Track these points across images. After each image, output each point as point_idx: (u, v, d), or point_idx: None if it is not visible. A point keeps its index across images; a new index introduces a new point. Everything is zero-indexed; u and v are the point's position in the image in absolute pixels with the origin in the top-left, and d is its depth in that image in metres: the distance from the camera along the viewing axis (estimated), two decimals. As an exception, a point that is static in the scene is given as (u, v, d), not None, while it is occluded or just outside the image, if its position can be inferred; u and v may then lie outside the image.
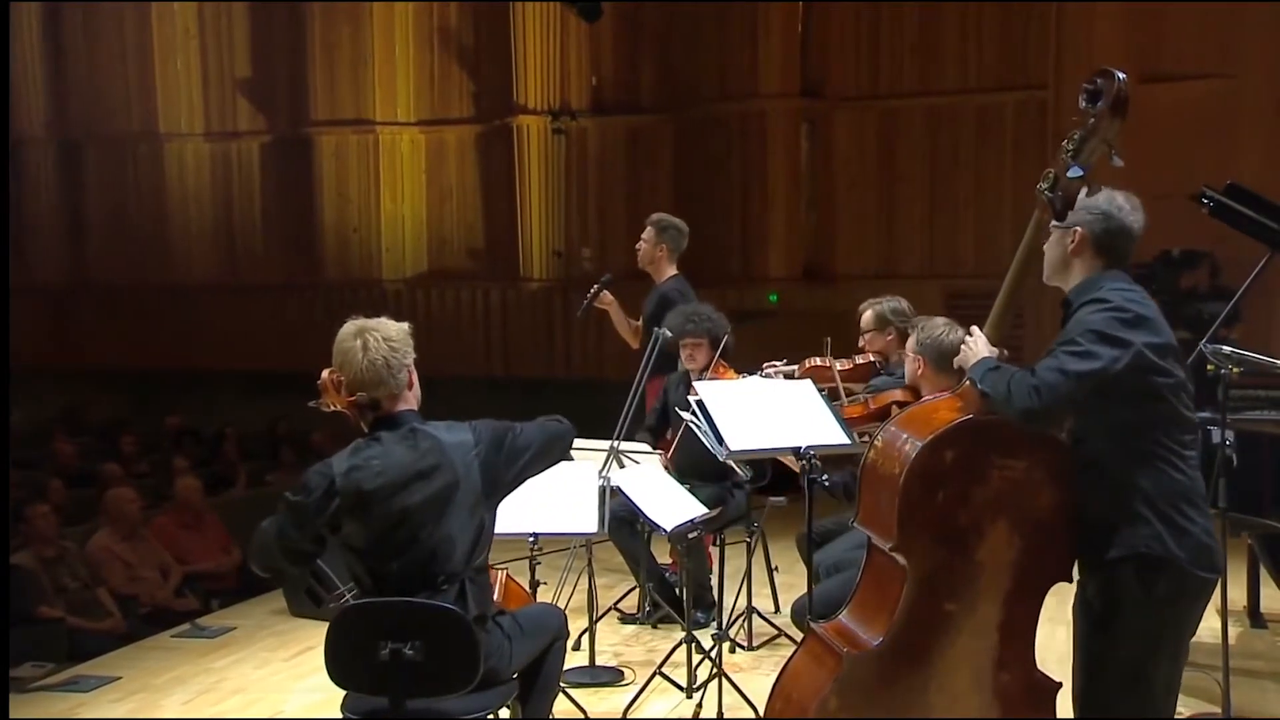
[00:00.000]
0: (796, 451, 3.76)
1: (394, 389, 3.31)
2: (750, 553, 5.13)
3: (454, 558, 3.28)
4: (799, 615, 4.67)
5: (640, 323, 6.60)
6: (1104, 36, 11.78)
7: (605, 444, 5.28)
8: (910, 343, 4.24)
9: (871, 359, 5.37)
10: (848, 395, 4.81)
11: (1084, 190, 3.04)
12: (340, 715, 3.39)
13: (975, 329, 3.24)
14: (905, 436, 3.17)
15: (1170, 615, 3.02)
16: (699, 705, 4.48)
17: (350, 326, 3.34)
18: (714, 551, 5.89)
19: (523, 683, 3.55)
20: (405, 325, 3.40)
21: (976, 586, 3.12)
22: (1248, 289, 4.91)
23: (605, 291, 6.55)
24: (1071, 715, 3.26)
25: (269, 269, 15.90)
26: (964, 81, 12.51)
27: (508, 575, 3.91)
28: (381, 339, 3.30)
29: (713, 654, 4.47)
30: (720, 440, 3.71)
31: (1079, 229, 3.11)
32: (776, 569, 6.18)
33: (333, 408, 3.32)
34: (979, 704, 3.19)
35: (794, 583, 6.33)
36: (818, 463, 3.74)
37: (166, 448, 12.05)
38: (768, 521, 5.71)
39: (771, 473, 5.58)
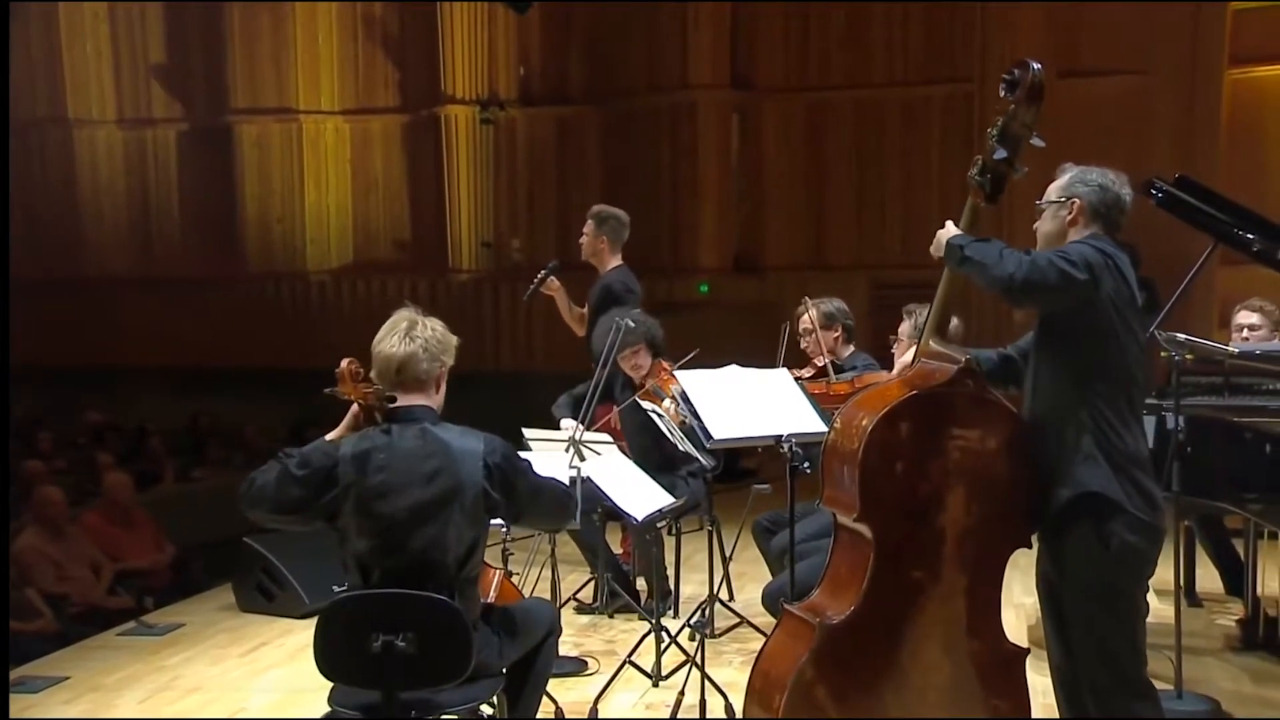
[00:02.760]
0: (778, 439, 3.80)
1: (421, 375, 3.28)
2: (711, 541, 5.17)
3: (445, 565, 3.23)
4: (770, 599, 4.73)
5: (586, 311, 6.60)
6: (1026, 32, 12.08)
7: (564, 435, 5.26)
8: (905, 328, 4.32)
9: (826, 359, 5.44)
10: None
11: (1012, 174, 3.25)
12: (327, 709, 3.35)
13: (949, 222, 3.36)
14: (861, 414, 3.29)
15: (1126, 568, 3.15)
16: (681, 692, 4.46)
17: (405, 311, 3.36)
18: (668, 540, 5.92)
19: (514, 677, 3.53)
20: (455, 337, 3.39)
21: (940, 554, 3.23)
22: (1192, 279, 5.05)
23: (552, 278, 6.52)
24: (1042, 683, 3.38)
25: (187, 261, 15.60)
26: (891, 74, 12.73)
27: (503, 575, 3.89)
28: (430, 327, 3.32)
29: (694, 645, 4.48)
30: (704, 428, 3.72)
31: (1076, 199, 3.26)
32: (731, 558, 6.22)
33: (347, 397, 3.29)
34: (951, 670, 3.29)
35: (745, 570, 6.40)
36: (799, 450, 3.79)
37: (85, 444, 11.76)
38: (719, 509, 5.74)
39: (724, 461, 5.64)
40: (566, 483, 4.49)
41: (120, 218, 16.11)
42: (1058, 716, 3.48)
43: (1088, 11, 11.75)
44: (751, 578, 6.12)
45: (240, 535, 6.59)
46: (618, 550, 6.38)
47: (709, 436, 3.72)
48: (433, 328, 3.31)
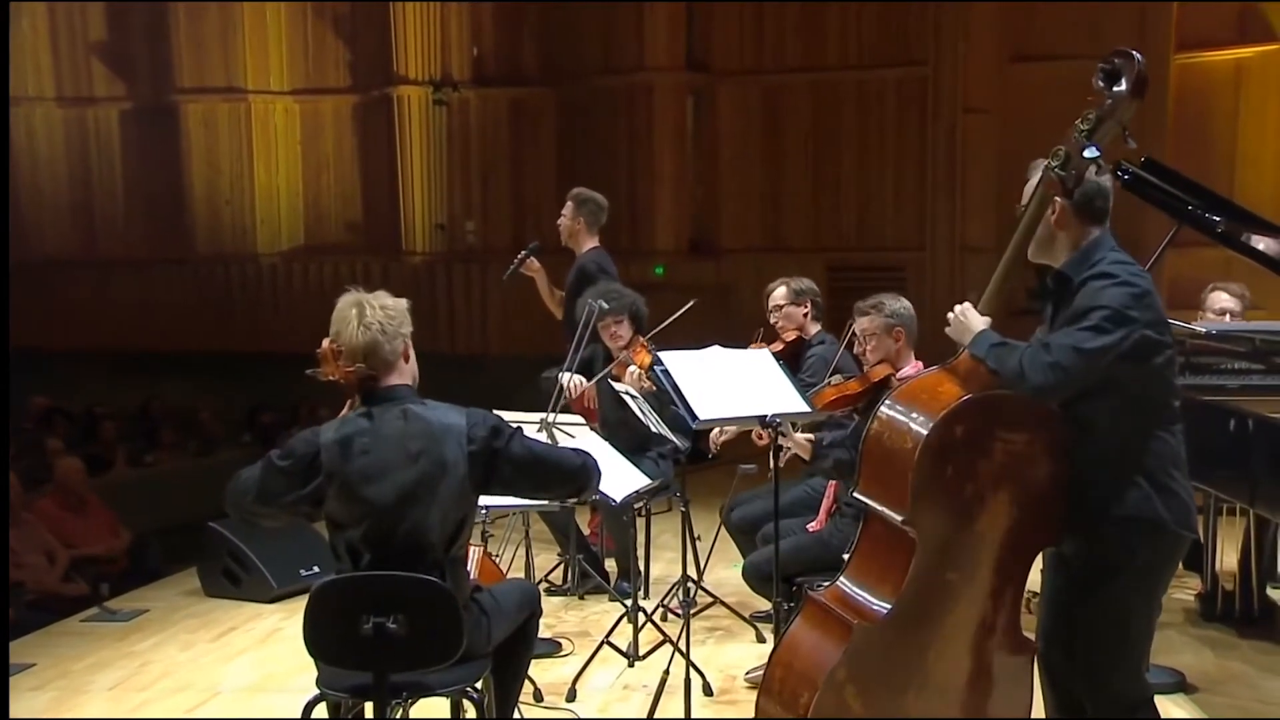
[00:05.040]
0: (763, 420, 3.82)
1: (388, 357, 3.24)
2: (685, 522, 5.18)
3: (434, 545, 3.22)
4: (753, 573, 4.75)
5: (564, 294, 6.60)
6: (980, 15, 12.21)
7: (536, 416, 5.26)
8: (876, 323, 4.33)
9: (795, 335, 5.52)
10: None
11: (1093, 169, 3.05)
12: (305, 692, 3.33)
13: (966, 303, 3.24)
14: (913, 411, 3.19)
15: (1151, 575, 3.12)
16: (666, 671, 4.45)
17: (348, 296, 3.29)
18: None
19: (499, 658, 3.53)
20: (403, 301, 3.34)
21: (976, 555, 3.19)
22: (1156, 260, 5.13)
23: (532, 259, 6.52)
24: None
25: (132, 243, 15.35)
26: (846, 58, 12.78)
27: (483, 551, 3.87)
28: (378, 307, 3.25)
29: (675, 625, 4.47)
30: (689, 409, 3.73)
31: (1056, 200, 3.11)
32: (699, 538, 6.24)
33: (330, 378, 3.25)
34: (972, 668, 3.27)
35: (715, 550, 6.41)
36: (784, 430, 3.81)
37: (33, 429, 11.52)
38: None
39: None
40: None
41: (61, 198, 15.80)
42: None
43: (1039, -4, 11.93)
44: (721, 555, 6.15)
45: (197, 520, 6.51)
46: (584, 531, 6.39)
47: (694, 418, 3.71)
48: (380, 305, 3.25)
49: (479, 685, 3.47)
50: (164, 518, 8.95)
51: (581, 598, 5.94)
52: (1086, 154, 2.97)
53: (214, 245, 15.11)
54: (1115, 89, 2.98)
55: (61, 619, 6.16)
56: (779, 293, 5.65)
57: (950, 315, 3.24)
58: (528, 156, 13.90)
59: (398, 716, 3.33)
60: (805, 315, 5.63)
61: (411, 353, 3.33)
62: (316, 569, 6.11)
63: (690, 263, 13.12)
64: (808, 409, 3.90)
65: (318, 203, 15.02)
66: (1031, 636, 3.34)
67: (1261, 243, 4.94)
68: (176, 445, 11.10)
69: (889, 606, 3.19)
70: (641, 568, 5.91)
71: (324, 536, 6.31)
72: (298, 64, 14.89)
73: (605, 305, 5.61)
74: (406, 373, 3.31)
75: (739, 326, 5.85)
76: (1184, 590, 5.88)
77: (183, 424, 11.72)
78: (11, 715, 4.45)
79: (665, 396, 5.12)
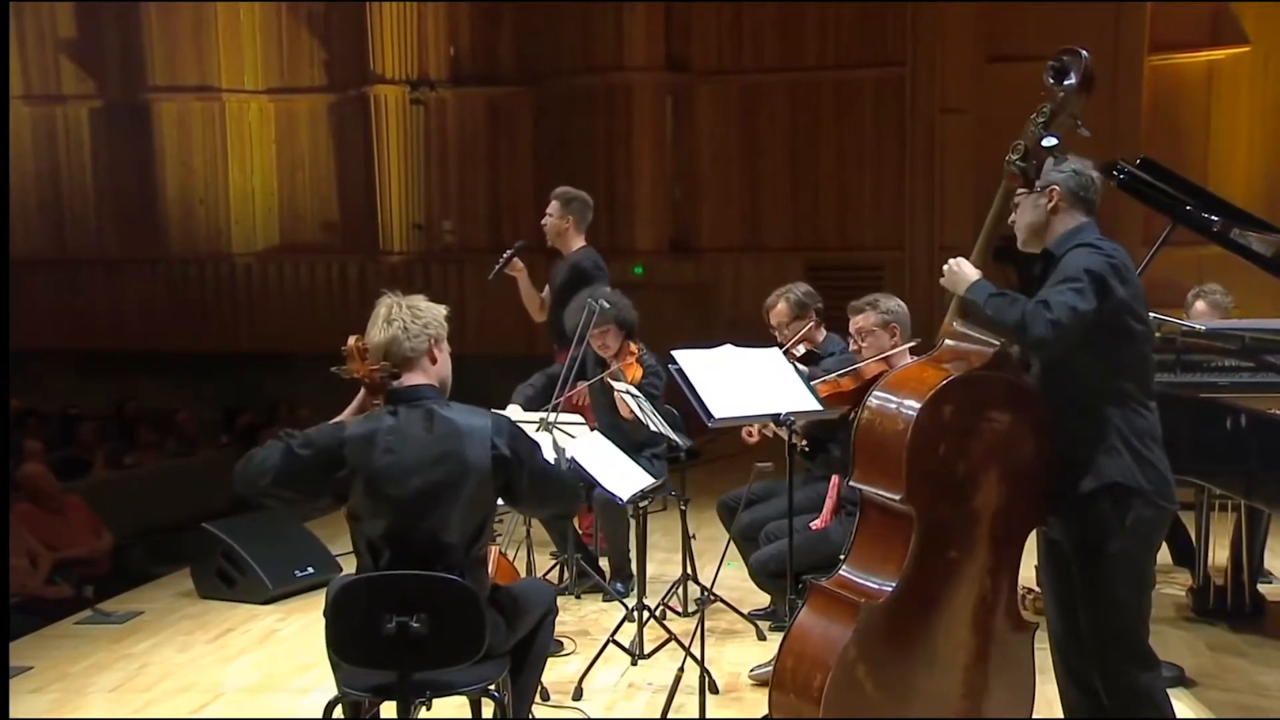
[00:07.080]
0: (777, 418, 3.84)
1: (408, 354, 3.28)
2: (685, 521, 5.20)
3: (454, 546, 3.24)
4: (760, 571, 4.79)
5: (546, 294, 6.57)
6: (956, 16, 12.30)
7: (536, 416, 5.26)
8: (872, 320, 4.39)
9: (805, 348, 5.46)
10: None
11: (1050, 160, 3.26)
12: (304, 693, 3.32)
13: (959, 258, 3.37)
14: (900, 397, 3.31)
15: (1138, 540, 3.24)
16: (681, 669, 4.45)
17: (383, 300, 3.37)
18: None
19: (514, 657, 3.54)
20: (441, 307, 3.41)
21: (974, 533, 3.31)
22: (1150, 260, 5.20)
23: (516, 259, 6.48)
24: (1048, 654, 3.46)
25: (103, 243, 15.18)
26: (823, 58, 12.84)
27: (499, 551, 3.87)
28: (405, 306, 3.32)
29: (685, 628, 4.46)
30: (704, 407, 3.74)
31: (1054, 187, 3.29)
32: (694, 536, 6.26)
33: (355, 375, 3.27)
34: (977, 646, 3.37)
35: (706, 549, 6.44)
36: (798, 429, 3.84)
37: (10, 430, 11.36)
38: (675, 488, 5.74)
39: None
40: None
41: (29, 198, 15.58)
42: (1057, 689, 3.56)
43: (1014, -2, 12.04)
44: (712, 556, 6.16)
45: (180, 521, 6.46)
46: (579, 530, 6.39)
47: (710, 416, 3.73)
48: (409, 306, 3.33)
49: (498, 685, 3.49)
50: (147, 519, 8.88)
51: (578, 597, 5.94)
52: (1045, 143, 3.18)
53: (188, 245, 14.96)
54: (1065, 84, 3.18)
55: (47, 622, 6.09)
56: (779, 309, 5.50)
57: (946, 267, 3.37)
58: (505, 156, 13.86)
59: (418, 716, 3.33)
60: (812, 325, 5.52)
61: (440, 354, 3.36)
62: (311, 570, 6.10)
63: (669, 262, 13.13)
64: (820, 407, 3.93)
65: (293, 203, 14.89)
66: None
67: (1256, 242, 5.01)
68: (154, 446, 10.99)
69: (893, 585, 3.28)
70: (636, 568, 5.92)
71: (318, 538, 6.33)
72: (272, 63, 14.76)
73: (607, 305, 5.59)
74: (432, 373, 3.34)
75: (719, 326, 5.81)
76: (1175, 586, 5.95)
77: (159, 425, 11.59)
78: (12, 716, 4.41)
79: (659, 402, 5.15)
